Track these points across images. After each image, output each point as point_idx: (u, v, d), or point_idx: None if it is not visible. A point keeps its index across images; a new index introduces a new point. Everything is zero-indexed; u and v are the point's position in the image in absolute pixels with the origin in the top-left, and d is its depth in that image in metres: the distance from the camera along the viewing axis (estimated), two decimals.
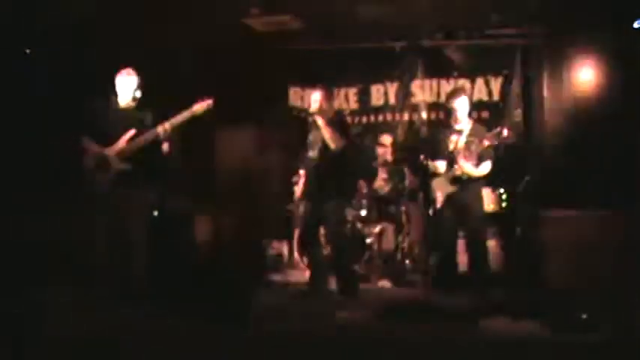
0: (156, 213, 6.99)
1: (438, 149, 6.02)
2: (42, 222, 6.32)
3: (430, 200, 6.02)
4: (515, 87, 7.97)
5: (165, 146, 5.43)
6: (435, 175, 6.06)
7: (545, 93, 7.19)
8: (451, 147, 5.89)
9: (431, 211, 5.99)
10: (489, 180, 6.23)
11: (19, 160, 6.36)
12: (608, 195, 6.29)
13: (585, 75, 7.01)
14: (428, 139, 6.33)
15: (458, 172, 5.83)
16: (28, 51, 6.62)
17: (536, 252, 6.75)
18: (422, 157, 6.33)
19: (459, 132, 5.90)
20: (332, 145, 5.84)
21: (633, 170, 6.26)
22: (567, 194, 6.59)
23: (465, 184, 5.88)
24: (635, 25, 6.33)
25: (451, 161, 5.86)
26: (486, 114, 7.79)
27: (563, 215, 6.35)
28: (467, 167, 5.82)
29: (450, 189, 5.90)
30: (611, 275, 5.94)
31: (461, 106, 5.95)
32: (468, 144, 5.80)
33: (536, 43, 7.67)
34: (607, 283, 5.75)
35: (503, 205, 6.89)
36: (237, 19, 7.42)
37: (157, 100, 5.52)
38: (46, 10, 6.55)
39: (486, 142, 5.70)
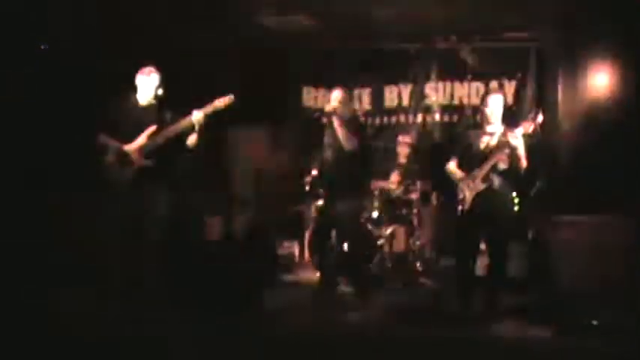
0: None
1: (470, 151, 5.73)
2: (62, 219, 6.37)
3: (458, 200, 5.78)
4: (530, 90, 7.96)
5: (192, 139, 5.43)
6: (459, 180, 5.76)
7: (560, 97, 7.16)
8: (482, 147, 5.68)
9: (459, 211, 5.76)
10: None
11: (39, 158, 6.39)
12: (622, 200, 6.25)
13: (600, 79, 6.97)
14: (460, 140, 6.08)
15: (493, 165, 5.51)
16: (44, 47, 6.61)
17: (549, 256, 6.73)
18: (452, 160, 6.04)
19: (491, 134, 5.68)
20: (346, 146, 5.82)
21: None
22: (581, 199, 6.56)
23: (495, 185, 5.57)
24: None
25: (482, 160, 5.53)
26: None
27: (577, 220, 6.32)
28: (499, 168, 5.52)
29: (480, 188, 5.57)
30: (624, 280, 5.91)
31: (495, 105, 5.68)
32: (500, 144, 5.58)
33: (551, 47, 7.64)
34: (619, 289, 5.72)
35: (516, 209, 6.83)
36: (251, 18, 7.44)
37: (176, 99, 5.54)
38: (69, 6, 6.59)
39: (521, 131, 5.46)
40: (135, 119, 5.45)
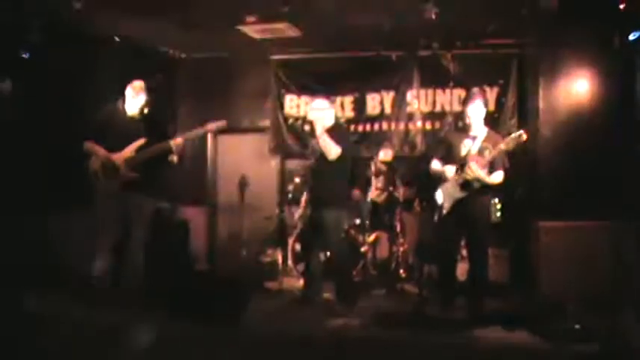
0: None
1: (451, 153, 5.80)
2: (47, 225, 6.34)
3: (436, 206, 5.81)
4: (511, 97, 8.02)
5: (174, 158, 5.52)
6: (443, 180, 5.79)
7: (541, 103, 7.22)
8: (464, 152, 5.71)
9: (436, 217, 5.79)
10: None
11: (27, 164, 6.35)
12: (602, 205, 6.31)
13: (580, 86, 7.04)
14: (441, 142, 6.13)
15: (469, 176, 5.54)
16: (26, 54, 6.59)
17: (530, 262, 6.78)
18: (435, 159, 6.05)
19: (474, 138, 5.71)
20: (329, 154, 5.82)
21: (628, 180, 6.28)
22: (562, 204, 6.61)
23: (474, 191, 5.62)
24: (631, 37, 6.36)
25: (462, 166, 5.60)
26: None
27: (557, 226, 6.38)
28: (478, 172, 5.53)
29: (459, 195, 5.65)
30: (606, 286, 5.97)
31: (475, 111, 5.75)
32: (481, 150, 5.62)
33: (532, 54, 7.70)
34: (601, 294, 5.77)
35: (498, 214, 6.88)
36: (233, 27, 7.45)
37: (165, 112, 5.63)
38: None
39: (502, 147, 5.47)
40: (122, 129, 5.49)
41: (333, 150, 5.81)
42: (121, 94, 5.64)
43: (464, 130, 5.86)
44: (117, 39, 7.58)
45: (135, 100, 5.58)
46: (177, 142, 5.50)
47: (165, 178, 6.37)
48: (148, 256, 5.58)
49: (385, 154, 7.83)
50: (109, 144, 5.46)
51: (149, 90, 5.62)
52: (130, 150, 5.43)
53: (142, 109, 5.59)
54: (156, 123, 5.68)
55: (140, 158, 5.46)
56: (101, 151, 5.43)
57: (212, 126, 5.55)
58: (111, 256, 5.44)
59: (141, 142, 5.45)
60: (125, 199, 5.46)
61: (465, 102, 6.06)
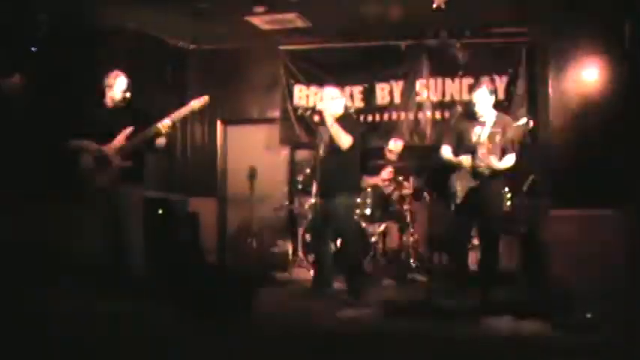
0: (159, 211, 7.08)
1: (461, 141, 5.77)
2: (43, 222, 6.35)
3: (449, 195, 5.79)
4: (520, 86, 7.98)
5: (161, 141, 5.51)
6: (456, 168, 5.76)
7: (550, 92, 7.20)
8: (474, 139, 5.68)
9: (452, 207, 5.76)
10: None
11: (17, 163, 6.35)
12: (613, 193, 6.29)
13: (590, 73, 7.01)
14: (451, 129, 6.10)
15: (480, 165, 5.52)
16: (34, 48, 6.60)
17: (541, 251, 6.77)
18: (444, 145, 6.02)
19: (483, 124, 5.68)
20: (340, 143, 5.80)
21: (638, 169, 6.25)
22: (572, 193, 6.60)
23: (487, 178, 5.58)
24: None
25: (473, 154, 5.57)
26: None
27: (568, 214, 6.36)
28: (489, 160, 5.51)
29: (472, 183, 5.61)
30: (617, 274, 5.95)
31: (481, 97, 5.71)
32: (491, 136, 5.59)
33: (541, 42, 7.67)
34: (613, 282, 5.75)
35: (508, 203, 6.87)
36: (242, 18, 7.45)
37: (149, 99, 5.61)
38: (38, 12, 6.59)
39: (509, 135, 5.44)
40: (105, 121, 5.51)
41: (344, 139, 5.77)
42: (102, 86, 5.63)
43: (473, 117, 5.83)
44: (126, 31, 7.57)
45: (115, 89, 5.58)
46: (164, 124, 5.44)
47: (157, 166, 6.35)
48: (158, 248, 5.59)
49: (395, 144, 7.83)
50: (98, 138, 5.48)
51: (128, 77, 5.61)
52: (120, 139, 5.43)
53: (123, 98, 5.59)
54: (140, 109, 5.66)
55: (132, 145, 5.46)
56: (91, 145, 5.45)
57: (195, 103, 5.53)
58: (110, 248, 5.46)
59: (129, 129, 5.45)
60: (116, 190, 5.47)
61: (470, 91, 6.04)
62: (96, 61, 6.88)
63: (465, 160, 5.66)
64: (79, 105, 5.78)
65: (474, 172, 5.59)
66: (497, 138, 5.49)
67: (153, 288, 5.35)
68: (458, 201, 5.66)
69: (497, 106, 5.89)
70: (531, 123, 5.38)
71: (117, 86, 5.56)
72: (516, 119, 5.55)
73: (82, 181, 5.50)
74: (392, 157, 7.77)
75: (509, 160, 5.60)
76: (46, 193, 6.36)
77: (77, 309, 5.06)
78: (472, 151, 5.59)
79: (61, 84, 6.76)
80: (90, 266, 5.52)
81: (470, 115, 5.85)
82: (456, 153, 5.77)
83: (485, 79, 6.39)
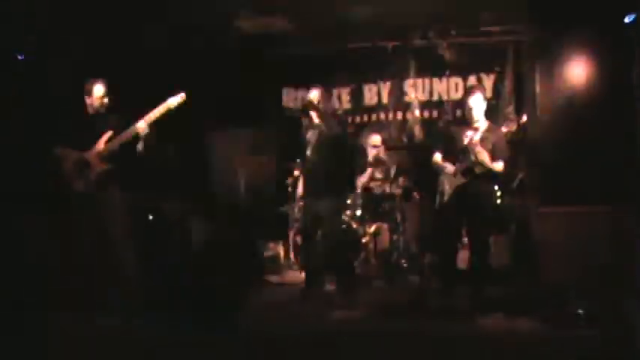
0: (148, 215, 7.04)
1: (452, 146, 5.83)
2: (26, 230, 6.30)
3: (438, 193, 5.82)
4: (508, 84, 8.01)
5: (139, 145, 5.49)
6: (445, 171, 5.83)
7: (538, 90, 7.19)
8: (466, 142, 5.70)
9: (437, 204, 5.80)
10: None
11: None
12: (602, 190, 6.30)
13: (577, 71, 7.01)
14: (443, 134, 6.14)
15: (475, 158, 5.58)
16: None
17: (531, 248, 6.77)
18: (436, 152, 6.06)
19: (475, 129, 5.73)
20: (328, 129, 5.80)
21: (626, 165, 6.26)
22: (561, 190, 6.60)
23: (475, 177, 5.65)
24: (626, 19, 6.34)
25: (464, 154, 5.65)
26: None
27: (557, 211, 6.36)
28: (483, 155, 5.57)
29: (460, 181, 5.68)
30: (607, 271, 5.95)
31: (475, 103, 5.78)
32: (483, 139, 5.64)
33: (528, 40, 7.68)
34: (602, 279, 5.76)
35: (498, 201, 6.89)
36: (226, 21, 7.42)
37: (130, 103, 5.59)
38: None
39: (504, 129, 5.55)
40: (87, 128, 5.52)
41: (331, 126, 5.81)
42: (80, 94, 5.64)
43: (464, 122, 5.88)
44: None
45: (94, 95, 5.58)
46: (139, 125, 5.43)
47: (143, 170, 6.31)
48: (149, 254, 5.58)
49: (375, 139, 7.80)
50: (79, 145, 5.48)
51: (105, 84, 5.61)
52: (99, 144, 5.46)
53: (101, 103, 5.58)
54: (119, 114, 5.65)
55: (111, 149, 5.47)
56: (72, 153, 5.47)
57: (172, 101, 5.51)
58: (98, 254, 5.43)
59: (108, 134, 5.47)
60: (100, 195, 5.46)
61: (464, 97, 6.08)
62: None
63: (449, 168, 5.75)
64: (60, 113, 5.78)
65: (464, 170, 5.62)
66: (488, 141, 5.57)
67: (140, 292, 5.32)
68: (445, 198, 5.70)
69: (486, 103, 5.93)
70: (525, 117, 5.42)
71: (95, 92, 5.57)
72: (504, 117, 5.61)
73: (63, 189, 5.50)
74: (381, 157, 7.75)
75: (499, 165, 5.67)
76: (28, 204, 6.31)
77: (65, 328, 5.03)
78: (464, 152, 5.63)
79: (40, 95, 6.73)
80: (77, 277, 5.49)
81: (458, 117, 5.92)
82: (446, 158, 5.82)
83: (477, 86, 6.44)
